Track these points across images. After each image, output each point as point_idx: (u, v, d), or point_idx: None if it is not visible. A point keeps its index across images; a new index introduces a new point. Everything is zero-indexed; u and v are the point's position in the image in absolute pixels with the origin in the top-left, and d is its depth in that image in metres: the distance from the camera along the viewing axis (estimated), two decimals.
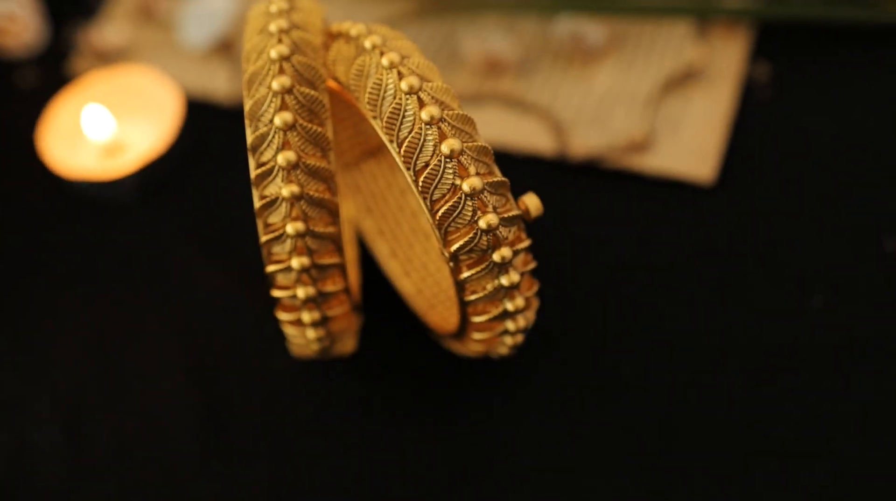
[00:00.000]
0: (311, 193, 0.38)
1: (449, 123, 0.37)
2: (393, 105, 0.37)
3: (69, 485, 0.48)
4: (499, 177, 0.37)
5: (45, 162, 0.58)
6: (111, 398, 0.50)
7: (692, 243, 0.52)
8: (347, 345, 0.45)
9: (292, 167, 0.37)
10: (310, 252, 0.39)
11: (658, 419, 0.47)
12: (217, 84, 0.61)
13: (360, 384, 0.49)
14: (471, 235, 0.37)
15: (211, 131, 0.60)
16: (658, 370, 0.48)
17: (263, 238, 0.39)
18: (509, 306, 0.39)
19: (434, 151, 0.36)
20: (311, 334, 0.42)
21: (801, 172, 0.54)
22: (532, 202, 0.39)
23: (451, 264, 0.38)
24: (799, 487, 0.44)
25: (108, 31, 0.64)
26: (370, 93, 0.37)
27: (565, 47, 0.59)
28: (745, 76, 0.58)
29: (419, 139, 0.37)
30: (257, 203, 0.38)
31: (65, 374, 0.51)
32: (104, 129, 0.58)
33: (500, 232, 0.37)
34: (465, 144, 0.37)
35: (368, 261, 0.53)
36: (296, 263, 0.39)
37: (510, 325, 0.41)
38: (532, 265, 0.40)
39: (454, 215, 0.37)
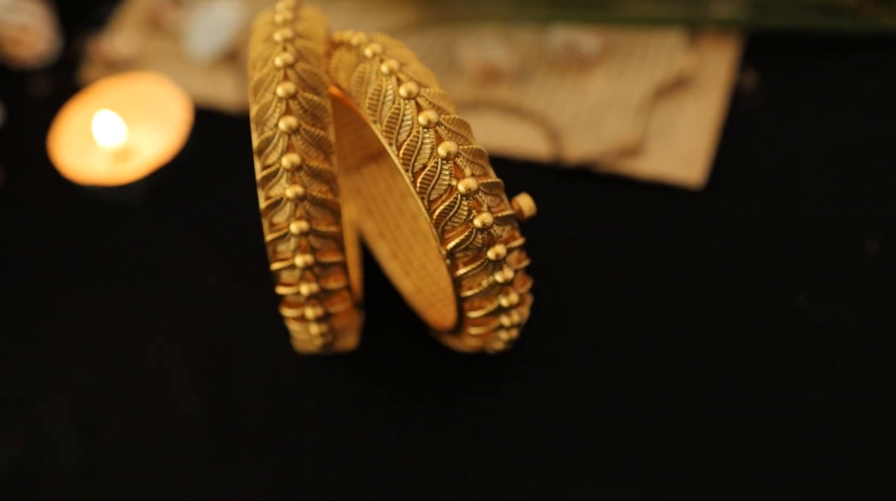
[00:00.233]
0: (315, 193, 0.39)
1: (445, 127, 0.38)
2: (392, 110, 0.38)
3: (80, 480, 0.49)
4: (493, 178, 0.39)
5: (57, 167, 0.59)
6: (121, 395, 0.51)
7: (682, 244, 0.53)
8: (349, 341, 0.46)
9: (296, 169, 0.39)
10: (313, 250, 0.40)
11: (649, 416, 0.47)
12: (223, 92, 0.62)
13: (362, 380, 0.50)
14: (466, 233, 0.38)
15: (217, 138, 0.60)
16: (649, 367, 0.49)
17: (269, 237, 0.40)
18: (504, 301, 0.41)
19: (431, 153, 0.38)
20: (314, 329, 0.43)
21: (787, 177, 0.54)
22: (525, 203, 0.40)
23: (448, 261, 0.39)
24: (787, 481, 0.45)
25: (118, 41, 0.65)
26: (370, 98, 0.39)
27: (560, 56, 0.60)
28: (733, 84, 0.59)
29: (417, 142, 0.38)
30: (263, 203, 0.39)
31: (76, 372, 0.52)
32: (114, 135, 0.59)
33: (495, 231, 0.38)
34: (460, 147, 0.38)
35: (370, 262, 0.53)
36: (300, 260, 0.40)
37: (505, 320, 0.42)
38: (526, 263, 0.41)
39: (451, 214, 0.38)
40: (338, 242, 0.40)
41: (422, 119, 0.38)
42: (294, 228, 0.39)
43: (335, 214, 0.40)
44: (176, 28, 0.65)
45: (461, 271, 0.39)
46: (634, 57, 0.60)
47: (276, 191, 0.39)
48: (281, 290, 0.41)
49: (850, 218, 0.52)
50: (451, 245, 0.38)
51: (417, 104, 0.38)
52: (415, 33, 0.62)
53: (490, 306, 0.41)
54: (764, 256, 0.52)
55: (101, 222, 0.58)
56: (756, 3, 0.60)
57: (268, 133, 0.39)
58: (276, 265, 0.41)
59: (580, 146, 0.57)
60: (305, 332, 0.44)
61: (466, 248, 0.39)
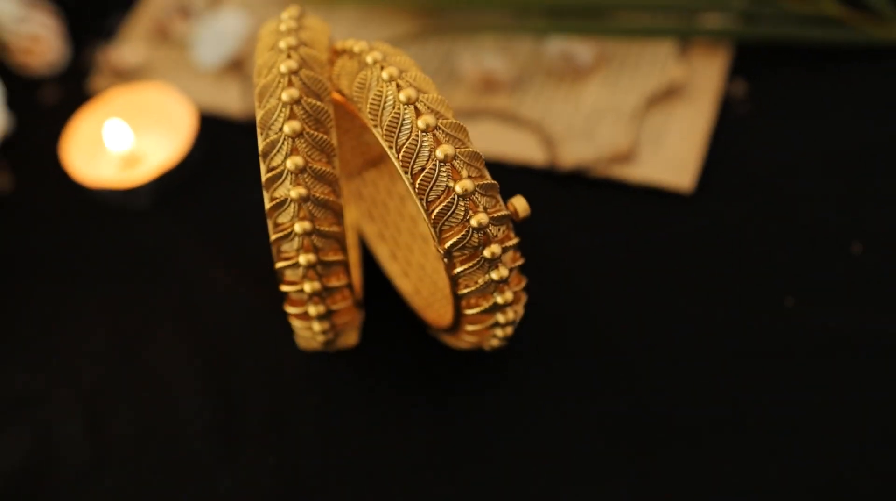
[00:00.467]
0: (318, 195, 0.40)
1: (443, 131, 0.39)
2: (392, 114, 0.39)
3: (87, 476, 0.49)
4: (489, 180, 0.40)
5: (68, 172, 0.60)
6: (130, 391, 0.52)
7: (673, 246, 0.53)
8: (350, 338, 0.47)
9: (300, 171, 0.40)
10: (316, 250, 0.41)
11: (642, 413, 0.48)
12: (228, 100, 0.63)
13: (363, 376, 0.51)
14: (463, 232, 0.39)
15: (222, 144, 0.61)
16: (641, 365, 0.50)
17: (273, 236, 0.41)
18: (499, 299, 0.42)
19: (429, 156, 0.39)
20: (316, 326, 0.44)
21: (775, 182, 0.55)
22: (520, 204, 0.41)
23: (446, 260, 0.40)
24: (779, 477, 0.46)
25: (126, 51, 0.65)
26: (371, 103, 0.40)
27: (556, 66, 0.61)
28: (723, 92, 0.59)
29: (416, 145, 0.39)
30: (268, 204, 0.40)
31: (86, 369, 0.53)
32: (123, 141, 0.60)
33: (490, 230, 0.40)
34: (457, 150, 0.39)
35: (370, 263, 0.54)
36: (303, 259, 0.41)
37: (500, 317, 0.43)
38: (520, 262, 0.42)
39: (448, 214, 0.39)
40: (340, 241, 0.41)
41: (420, 123, 0.39)
42: (298, 227, 0.40)
43: (337, 214, 0.41)
44: (182, 38, 0.66)
45: (458, 269, 0.40)
46: (628, 67, 0.61)
47: (280, 192, 0.40)
48: (284, 288, 0.42)
49: (836, 221, 0.53)
50: (448, 244, 0.39)
51: (416, 109, 0.39)
52: (416, 43, 0.63)
53: (486, 304, 0.42)
54: (752, 258, 0.53)
55: (109, 225, 0.59)
56: (745, 14, 0.61)
57: (273, 137, 0.40)
58: (280, 264, 0.41)
59: (575, 152, 0.58)
60: (308, 329, 0.44)
61: (463, 247, 0.40)
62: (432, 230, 0.40)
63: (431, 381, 0.50)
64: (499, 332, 0.44)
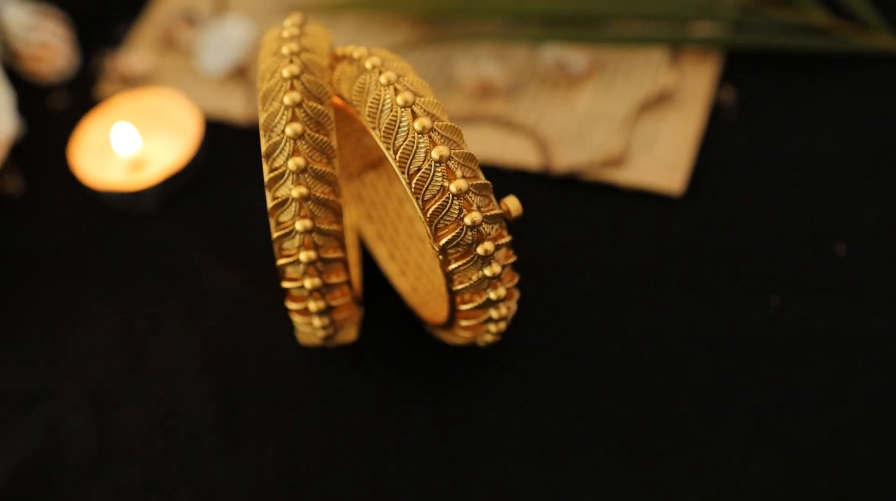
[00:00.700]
0: (318, 194, 0.41)
1: (438, 133, 0.40)
2: (389, 117, 0.40)
3: (96, 465, 0.50)
4: (482, 180, 0.41)
5: (76, 175, 0.61)
6: (136, 387, 0.53)
7: (663, 247, 0.54)
8: (350, 334, 0.48)
9: (301, 172, 0.41)
10: (316, 247, 0.42)
11: (630, 406, 0.49)
12: (232, 106, 0.64)
13: (361, 371, 0.52)
14: (457, 230, 0.40)
15: (226, 148, 0.62)
16: (631, 361, 0.50)
17: (275, 234, 0.42)
18: (492, 295, 0.43)
19: (425, 157, 0.40)
20: (316, 322, 0.45)
21: (762, 185, 0.56)
22: (512, 203, 0.43)
23: (441, 256, 0.41)
24: (760, 466, 0.47)
25: (134, 58, 0.66)
26: (370, 107, 0.41)
27: (551, 73, 0.62)
28: (712, 99, 0.60)
29: (412, 147, 0.40)
30: (270, 203, 0.41)
31: (93, 365, 0.54)
32: (130, 145, 0.60)
33: (484, 228, 0.41)
34: (452, 151, 0.40)
35: (369, 262, 0.55)
36: (303, 256, 0.42)
37: (493, 313, 0.44)
38: (513, 259, 0.43)
39: (443, 212, 0.40)
40: (339, 239, 0.42)
41: (417, 125, 0.40)
42: (299, 225, 0.41)
43: (337, 213, 0.42)
44: (188, 46, 0.67)
45: (452, 265, 0.41)
46: (620, 74, 0.62)
47: (282, 192, 0.41)
48: (286, 284, 0.43)
49: (820, 223, 0.54)
50: (443, 242, 0.41)
51: (413, 112, 0.40)
52: (415, 51, 0.64)
53: (479, 300, 0.43)
54: (739, 258, 0.53)
55: (116, 227, 0.59)
56: (735, 23, 0.62)
57: (275, 138, 0.41)
58: (281, 261, 0.42)
59: (568, 156, 0.58)
60: (308, 324, 0.45)
61: (457, 244, 0.41)
62: (428, 228, 0.41)
63: (428, 376, 0.51)
64: (492, 327, 0.45)
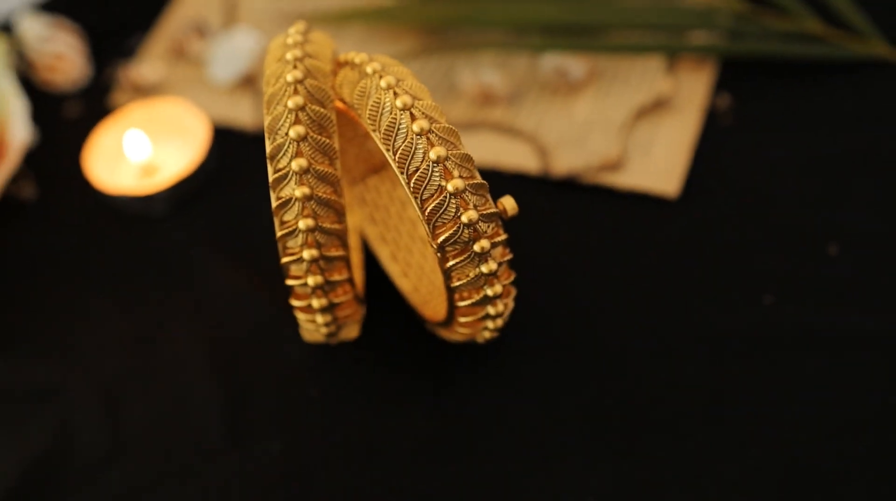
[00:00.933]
0: (320, 194, 0.42)
1: (436, 134, 0.41)
2: (389, 119, 0.41)
3: (106, 461, 0.51)
4: (479, 180, 0.42)
5: (89, 181, 0.61)
6: (145, 385, 0.53)
7: (659, 248, 0.55)
8: (352, 331, 0.49)
9: (304, 172, 0.42)
10: (318, 246, 0.43)
11: (627, 405, 0.50)
12: (240, 113, 0.65)
13: (364, 368, 0.52)
14: (454, 228, 0.41)
15: (234, 155, 0.63)
16: (627, 360, 0.51)
17: (279, 233, 0.43)
18: (489, 291, 0.44)
19: (424, 157, 0.41)
20: (319, 319, 0.46)
21: (756, 188, 0.57)
22: (508, 203, 0.43)
23: (439, 254, 0.42)
24: (750, 461, 0.47)
25: (145, 68, 0.67)
26: (370, 110, 0.42)
27: (550, 80, 0.63)
28: (708, 105, 0.61)
29: (411, 148, 0.41)
30: (274, 203, 0.42)
31: (103, 365, 0.55)
32: (141, 152, 0.61)
33: (480, 226, 0.42)
34: (449, 152, 0.41)
35: (372, 263, 0.56)
36: (307, 254, 0.43)
37: (490, 309, 0.45)
38: (509, 257, 0.44)
39: (440, 211, 0.41)
40: (341, 238, 0.43)
41: (415, 127, 0.41)
42: (302, 224, 0.42)
43: (338, 212, 0.43)
44: (198, 56, 0.67)
45: (450, 262, 0.42)
46: (618, 81, 0.63)
47: (286, 192, 0.42)
48: (290, 282, 0.44)
49: (813, 224, 0.55)
50: (440, 239, 0.41)
51: (412, 114, 0.41)
52: (418, 59, 0.65)
53: (477, 296, 0.44)
54: (734, 259, 0.54)
55: (128, 231, 0.60)
56: (730, 32, 0.63)
57: (279, 140, 0.42)
58: (285, 259, 0.43)
59: (567, 161, 0.59)
60: (311, 321, 0.46)
61: (455, 242, 0.42)
62: (426, 226, 0.42)
63: (428, 372, 0.52)
64: (490, 324, 0.46)
